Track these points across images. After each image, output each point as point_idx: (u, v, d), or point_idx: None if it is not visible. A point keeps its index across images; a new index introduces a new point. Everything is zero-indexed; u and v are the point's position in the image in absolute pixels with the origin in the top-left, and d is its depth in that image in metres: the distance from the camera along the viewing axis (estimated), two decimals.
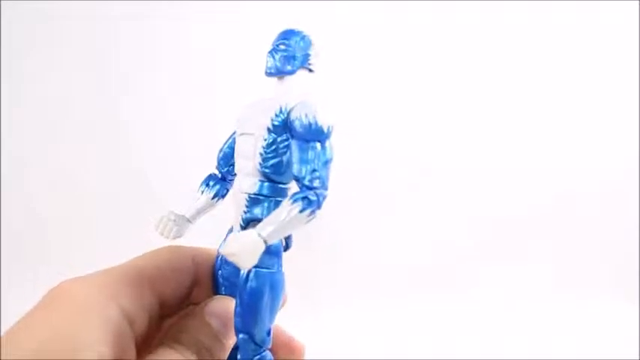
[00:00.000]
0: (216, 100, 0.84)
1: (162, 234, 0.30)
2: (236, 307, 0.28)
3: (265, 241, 0.24)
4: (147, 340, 0.27)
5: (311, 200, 0.26)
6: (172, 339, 0.27)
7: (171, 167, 0.87)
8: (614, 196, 0.91)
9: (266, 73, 0.30)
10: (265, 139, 0.28)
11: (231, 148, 0.31)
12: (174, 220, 0.31)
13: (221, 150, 0.32)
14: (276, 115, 0.28)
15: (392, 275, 0.85)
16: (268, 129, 0.28)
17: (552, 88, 0.93)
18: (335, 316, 0.76)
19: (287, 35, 0.30)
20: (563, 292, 0.85)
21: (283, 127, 0.28)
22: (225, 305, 0.29)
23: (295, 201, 0.26)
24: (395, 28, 0.91)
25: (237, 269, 0.27)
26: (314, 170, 0.27)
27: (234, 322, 0.28)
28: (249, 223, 0.29)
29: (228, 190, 0.32)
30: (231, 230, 0.31)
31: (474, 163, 0.91)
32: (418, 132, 0.92)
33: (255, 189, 0.28)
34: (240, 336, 0.27)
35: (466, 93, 0.92)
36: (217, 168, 0.32)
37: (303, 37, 0.31)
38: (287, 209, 0.25)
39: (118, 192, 0.90)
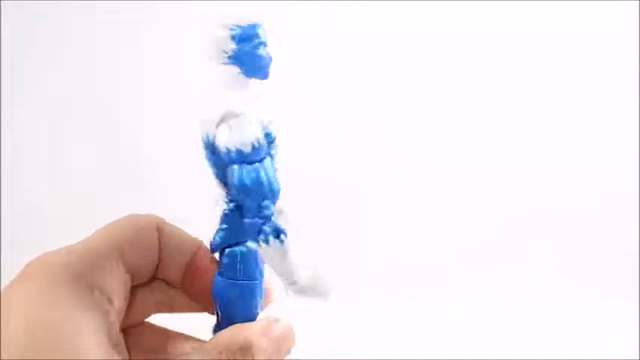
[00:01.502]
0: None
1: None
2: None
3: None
4: (120, 313, 0.26)
5: (266, 231, 0.26)
6: (214, 345, 0.26)
7: (172, 167, 0.87)
8: (615, 196, 0.91)
9: (266, 77, 0.28)
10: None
11: None
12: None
13: None
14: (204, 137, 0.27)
15: (392, 275, 0.85)
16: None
17: (552, 88, 0.93)
18: (335, 316, 0.76)
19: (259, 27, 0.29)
20: (563, 292, 0.85)
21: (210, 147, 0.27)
22: (291, 333, 0.28)
23: (258, 239, 0.26)
24: (396, 27, 0.91)
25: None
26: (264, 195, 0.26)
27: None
28: None
29: None
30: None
31: (475, 163, 0.91)
32: (419, 132, 0.92)
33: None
34: None
35: (467, 93, 0.92)
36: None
37: None
38: (268, 250, 0.26)
39: (117, 192, 0.90)
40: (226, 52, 0.27)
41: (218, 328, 0.29)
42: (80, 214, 0.90)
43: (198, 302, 0.30)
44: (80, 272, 0.24)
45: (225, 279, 0.28)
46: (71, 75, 0.93)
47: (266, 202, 0.25)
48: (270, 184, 0.25)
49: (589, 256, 0.89)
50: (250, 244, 0.26)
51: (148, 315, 0.30)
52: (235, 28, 0.28)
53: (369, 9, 0.91)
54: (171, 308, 0.31)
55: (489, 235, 0.89)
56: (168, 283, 0.30)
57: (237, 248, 0.28)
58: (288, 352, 0.28)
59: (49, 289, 0.23)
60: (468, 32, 0.92)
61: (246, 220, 0.25)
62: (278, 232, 0.25)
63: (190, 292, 0.30)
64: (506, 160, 0.92)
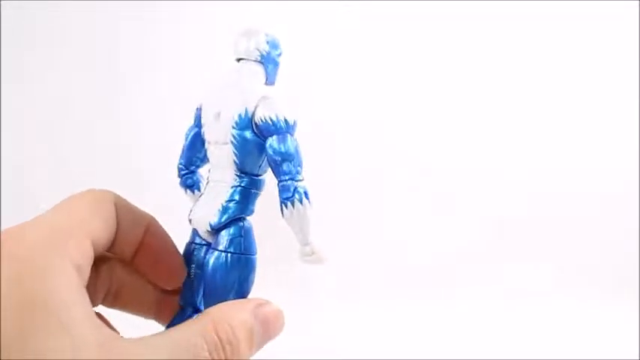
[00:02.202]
0: None
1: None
2: (195, 275, 0.29)
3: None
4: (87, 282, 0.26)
5: (292, 194, 0.28)
6: (208, 320, 0.25)
7: (172, 167, 0.87)
8: (615, 196, 0.91)
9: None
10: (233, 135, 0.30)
11: (191, 143, 0.33)
12: None
13: (183, 149, 0.34)
14: (238, 113, 0.29)
15: (393, 275, 0.85)
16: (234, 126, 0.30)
17: (551, 88, 0.93)
18: (336, 316, 0.76)
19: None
20: (563, 292, 0.85)
21: (247, 123, 0.29)
22: (280, 316, 0.28)
23: (283, 202, 0.28)
24: (399, 27, 0.91)
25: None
26: (298, 165, 0.29)
27: (199, 299, 0.29)
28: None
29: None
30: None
31: (475, 163, 0.91)
32: (419, 132, 0.92)
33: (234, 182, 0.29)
34: (191, 310, 0.30)
35: (466, 93, 0.92)
36: (181, 167, 0.34)
37: None
38: (291, 213, 0.28)
39: (117, 192, 0.90)
40: (260, 52, 0.31)
41: (195, 302, 0.29)
42: None
43: (148, 277, 0.30)
44: (54, 243, 0.24)
45: (226, 252, 0.28)
46: (71, 75, 0.93)
47: (301, 168, 0.28)
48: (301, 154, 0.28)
49: (589, 256, 0.89)
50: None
51: (96, 302, 0.29)
52: (269, 34, 0.32)
53: (372, 9, 0.91)
54: (115, 297, 0.30)
55: (489, 235, 0.89)
56: (120, 261, 0.30)
57: (244, 223, 0.29)
58: (276, 335, 0.28)
59: (19, 261, 0.23)
60: (470, 32, 0.92)
61: (282, 184, 0.28)
62: (307, 194, 0.27)
63: (142, 267, 0.30)
64: (506, 160, 0.92)
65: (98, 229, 0.27)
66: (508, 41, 0.92)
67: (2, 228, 0.26)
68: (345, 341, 0.71)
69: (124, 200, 0.30)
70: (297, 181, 0.27)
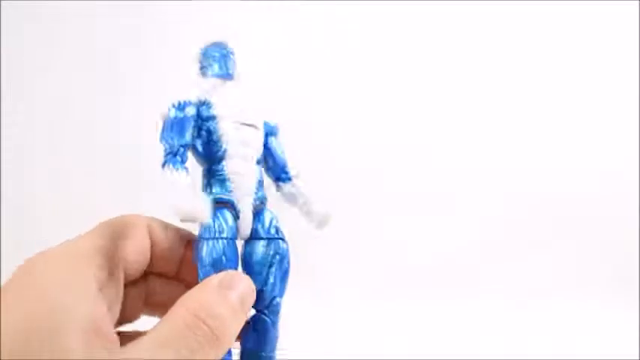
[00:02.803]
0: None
1: (198, 218, 0.29)
2: (269, 273, 0.32)
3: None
4: (112, 310, 0.27)
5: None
6: (185, 311, 0.26)
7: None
8: (615, 196, 0.91)
9: (228, 76, 0.35)
10: (262, 132, 0.34)
11: (191, 123, 0.33)
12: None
13: (181, 126, 0.33)
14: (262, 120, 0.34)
15: (393, 275, 0.85)
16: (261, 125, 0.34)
17: (552, 88, 0.93)
18: (337, 316, 0.76)
19: (226, 46, 0.36)
20: (563, 292, 0.85)
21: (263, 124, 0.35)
22: (242, 279, 0.28)
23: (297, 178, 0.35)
24: (402, 26, 0.91)
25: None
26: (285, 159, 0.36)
27: (266, 290, 0.32)
28: (258, 202, 0.33)
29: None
30: (233, 215, 0.32)
31: (475, 163, 0.91)
32: (419, 132, 0.92)
33: (260, 175, 0.34)
34: (276, 301, 0.32)
35: (467, 94, 0.92)
36: (179, 152, 0.32)
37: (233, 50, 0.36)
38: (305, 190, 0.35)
39: (117, 192, 0.90)
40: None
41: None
42: (80, 214, 0.90)
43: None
44: (74, 268, 0.25)
45: (283, 239, 0.33)
46: (71, 75, 0.93)
47: None
48: None
49: (589, 256, 0.89)
50: None
51: (138, 315, 0.31)
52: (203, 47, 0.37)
53: (374, 9, 0.91)
54: (163, 308, 0.30)
55: (489, 235, 0.89)
56: (162, 276, 0.32)
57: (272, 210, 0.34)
58: (249, 294, 0.29)
59: (41, 284, 0.24)
60: (471, 31, 0.92)
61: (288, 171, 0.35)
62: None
63: (187, 279, 0.32)
64: (507, 160, 0.92)
65: (128, 252, 0.29)
66: (507, 41, 0.92)
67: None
68: (344, 341, 0.71)
69: (160, 221, 0.32)
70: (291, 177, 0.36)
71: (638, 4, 0.91)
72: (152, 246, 0.30)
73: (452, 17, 0.91)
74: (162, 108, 0.34)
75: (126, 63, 0.93)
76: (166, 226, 0.32)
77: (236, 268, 0.31)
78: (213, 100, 0.33)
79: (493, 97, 0.92)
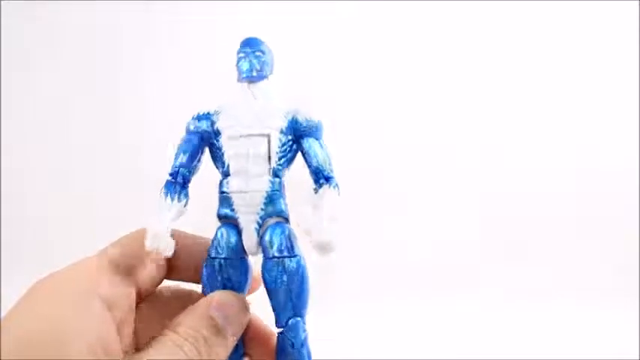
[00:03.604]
0: (217, 99, 0.84)
1: (160, 251, 0.30)
2: (279, 292, 0.30)
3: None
4: (124, 325, 0.28)
5: (337, 184, 0.32)
6: (171, 330, 0.27)
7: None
8: (615, 196, 0.91)
9: (246, 77, 0.32)
10: (280, 140, 0.31)
11: (198, 147, 0.33)
12: (163, 235, 0.30)
13: (184, 151, 0.33)
14: (285, 117, 0.32)
15: (393, 275, 0.85)
16: (282, 130, 0.31)
17: (551, 88, 0.93)
18: (335, 317, 0.76)
19: (257, 43, 0.33)
20: (563, 292, 0.85)
21: (289, 128, 0.32)
22: (232, 300, 0.29)
23: (335, 187, 0.31)
24: (403, 25, 0.91)
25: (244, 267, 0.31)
26: (328, 161, 0.32)
27: (280, 310, 0.31)
28: (268, 218, 0.31)
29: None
30: (233, 227, 0.31)
31: (475, 163, 0.91)
32: (419, 132, 0.91)
33: (269, 187, 0.31)
34: (292, 321, 0.31)
35: (467, 94, 0.92)
36: (178, 174, 0.32)
37: (268, 47, 0.33)
38: (334, 194, 0.31)
39: (118, 192, 0.90)
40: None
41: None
42: (80, 214, 0.90)
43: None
44: (83, 285, 0.26)
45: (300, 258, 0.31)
46: (71, 76, 0.93)
47: None
48: None
49: (589, 255, 0.89)
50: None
51: (157, 327, 0.31)
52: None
53: (375, 9, 0.91)
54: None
55: (489, 235, 0.89)
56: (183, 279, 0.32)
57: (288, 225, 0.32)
58: (241, 312, 0.30)
59: (50, 302, 0.25)
60: (471, 31, 0.91)
61: (326, 175, 0.32)
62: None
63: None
64: (507, 160, 0.92)
65: (142, 268, 0.29)
66: (513, 42, 0.92)
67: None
68: (344, 341, 0.71)
69: (177, 231, 0.32)
70: (331, 177, 0.32)
71: (638, 4, 0.91)
72: (169, 258, 0.31)
73: (443, 19, 0.91)
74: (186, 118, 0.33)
75: (126, 63, 0.93)
76: (184, 236, 0.32)
77: (240, 285, 0.31)
78: (227, 108, 0.32)
79: (494, 98, 0.92)
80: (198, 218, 0.34)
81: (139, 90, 0.92)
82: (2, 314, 0.25)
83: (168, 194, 0.31)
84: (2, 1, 0.91)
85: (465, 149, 0.92)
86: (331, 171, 0.32)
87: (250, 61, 0.32)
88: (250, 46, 0.33)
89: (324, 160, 0.32)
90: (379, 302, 0.81)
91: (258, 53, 0.32)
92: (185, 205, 0.32)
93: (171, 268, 0.32)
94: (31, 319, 0.24)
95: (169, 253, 0.29)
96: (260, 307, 0.33)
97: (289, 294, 0.31)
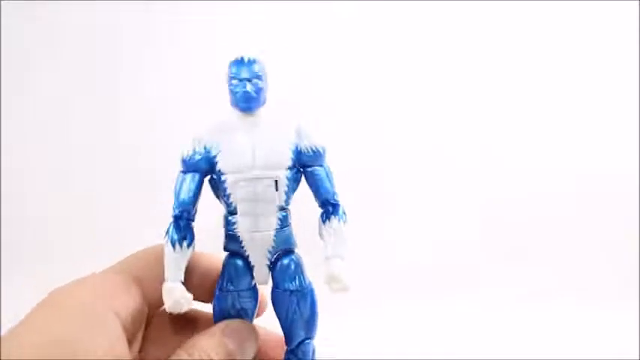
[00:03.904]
0: (217, 99, 0.84)
1: (182, 311, 0.30)
2: (293, 320, 0.32)
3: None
4: (133, 340, 0.28)
5: (345, 211, 0.32)
6: (185, 351, 0.28)
7: (172, 167, 0.86)
8: (615, 196, 0.91)
9: (242, 107, 0.30)
10: (288, 177, 0.31)
11: (199, 184, 0.32)
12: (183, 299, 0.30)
13: (187, 190, 0.31)
14: (291, 150, 0.31)
15: (393, 276, 0.85)
16: (288, 167, 0.31)
17: (550, 87, 0.93)
18: (335, 317, 0.76)
19: (252, 66, 0.30)
20: (563, 293, 0.85)
21: (294, 160, 0.31)
22: (243, 328, 0.30)
23: (340, 217, 0.32)
24: (404, 26, 0.91)
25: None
26: (332, 188, 0.32)
27: (292, 335, 0.32)
28: (277, 252, 0.32)
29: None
30: (246, 265, 0.31)
31: (475, 163, 0.91)
32: (418, 132, 0.91)
33: (278, 225, 0.31)
34: (307, 342, 0.32)
35: (465, 93, 0.92)
36: (182, 209, 0.31)
37: (263, 64, 0.31)
38: (341, 226, 0.32)
39: (118, 192, 0.90)
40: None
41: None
42: (80, 214, 0.90)
43: None
44: (96, 298, 0.26)
45: (308, 287, 0.32)
46: (71, 75, 0.93)
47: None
48: None
49: (589, 256, 0.89)
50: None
51: (169, 345, 0.31)
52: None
53: (376, 9, 0.91)
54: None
55: (489, 236, 0.89)
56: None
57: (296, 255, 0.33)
58: (252, 341, 0.31)
59: (64, 313, 0.25)
60: (470, 31, 0.91)
61: (333, 202, 0.32)
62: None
63: None
64: (507, 160, 0.92)
65: (154, 284, 0.30)
66: (505, 43, 0.92)
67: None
68: (343, 341, 0.71)
69: (195, 253, 0.32)
70: (337, 203, 0.34)
71: (638, 4, 0.91)
72: (186, 277, 0.31)
73: (443, 19, 0.91)
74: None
75: (126, 63, 0.93)
76: (200, 255, 0.33)
77: (250, 312, 0.32)
78: (226, 146, 0.30)
79: (493, 97, 0.92)
80: (213, 225, 0.34)
81: (139, 90, 0.92)
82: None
83: (176, 243, 0.30)
84: (2, 1, 0.91)
85: (464, 150, 0.92)
86: (336, 195, 0.32)
87: (245, 90, 0.30)
88: (245, 70, 0.30)
89: (329, 187, 0.32)
90: (378, 303, 0.81)
91: (255, 80, 0.30)
92: (192, 248, 0.31)
93: (185, 286, 0.31)
94: (43, 332, 0.24)
95: (189, 306, 0.30)
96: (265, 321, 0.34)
97: (301, 321, 0.32)
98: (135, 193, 0.88)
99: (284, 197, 0.31)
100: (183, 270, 0.30)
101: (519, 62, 0.92)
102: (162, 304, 0.30)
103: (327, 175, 0.32)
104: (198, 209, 0.32)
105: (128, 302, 0.28)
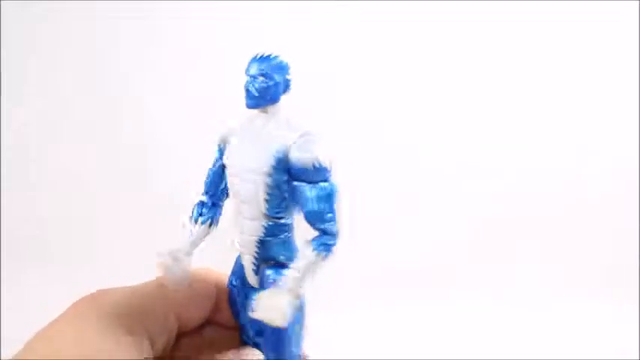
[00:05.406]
0: (217, 99, 0.84)
1: (168, 277, 0.29)
2: (265, 339, 0.30)
3: (297, 297, 0.26)
4: (161, 358, 0.28)
5: (330, 245, 0.27)
6: None
7: (172, 167, 0.87)
8: (614, 195, 0.91)
9: (248, 104, 0.29)
10: (268, 184, 0.28)
11: (219, 174, 0.31)
12: (175, 260, 0.29)
13: (208, 176, 0.31)
14: (274, 157, 0.27)
15: (389, 276, 0.85)
16: (269, 174, 0.27)
17: (549, 87, 0.93)
18: (334, 317, 0.76)
19: (262, 62, 0.29)
20: (563, 292, 0.85)
21: (279, 169, 0.28)
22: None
23: (319, 250, 0.27)
24: (405, 26, 0.91)
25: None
26: (327, 213, 0.27)
27: (266, 355, 0.30)
28: (262, 261, 0.29)
29: (220, 215, 0.32)
30: (237, 261, 0.31)
31: (474, 164, 0.91)
32: (416, 134, 0.92)
33: (262, 233, 0.29)
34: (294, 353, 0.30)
35: (463, 94, 0.92)
36: (206, 195, 0.31)
37: (280, 62, 0.29)
38: (312, 259, 0.26)
39: (118, 192, 0.90)
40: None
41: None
42: (80, 214, 0.90)
43: None
44: (125, 314, 0.26)
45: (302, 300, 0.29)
46: (71, 75, 0.93)
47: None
48: None
49: (589, 256, 0.89)
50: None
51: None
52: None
53: (381, 12, 0.91)
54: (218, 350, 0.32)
55: (489, 235, 0.89)
56: (221, 325, 0.32)
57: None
58: None
59: (92, 327, 0.25)
60: (470, 33, 0.91)
61: (327, 229, 0.27)
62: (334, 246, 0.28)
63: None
64: (506, 160, 0.92)
65: (186, 305, 0.29)
66: (504, 43, 0.92)
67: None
68: (343, 342, 0.71)
69: (226, 275, 0.32)
70: (328, 233, 0.28)
71: (638, 4, 0.91)
72: (217, 301, 0.31)
73: (444, 20, 0.91)
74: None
75: (126, 63, 0.93)
76: (202, 282, 0.32)
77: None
78: (233, 140, 0.30)
79: (491, 98, 0.92)
80: None
81: (139, 90, 0.92)
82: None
83: (195, 215, 0.31)
84: (2, 1, 0.91)
85: (458, 151, 0.92)
86: (326, 222, 0.27)
87: (249, 88, 0.28)
88: (254, 67, 0.29)
89: (316, 209, 0.27)
90: (375, 303, 0.81)
91: (260, 78, 0.28)
92: (210, 226, 0.30)
93: (217, 309, 0.32)
94: (66, 342, 0.23)
95: (172, 285, 0.28)
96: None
97: (268, 343, 0.30)
98: (135, 194, 0.88)
99: (265, 205, 0.28)
100: (196, 245, 0.30)
101: (515, 63, 0.92)
102: (194, 326, 0.31)
103: (318, 196, 0.27)
104: (228, 194, 0.31)
105: (159, 321, 0.27)
